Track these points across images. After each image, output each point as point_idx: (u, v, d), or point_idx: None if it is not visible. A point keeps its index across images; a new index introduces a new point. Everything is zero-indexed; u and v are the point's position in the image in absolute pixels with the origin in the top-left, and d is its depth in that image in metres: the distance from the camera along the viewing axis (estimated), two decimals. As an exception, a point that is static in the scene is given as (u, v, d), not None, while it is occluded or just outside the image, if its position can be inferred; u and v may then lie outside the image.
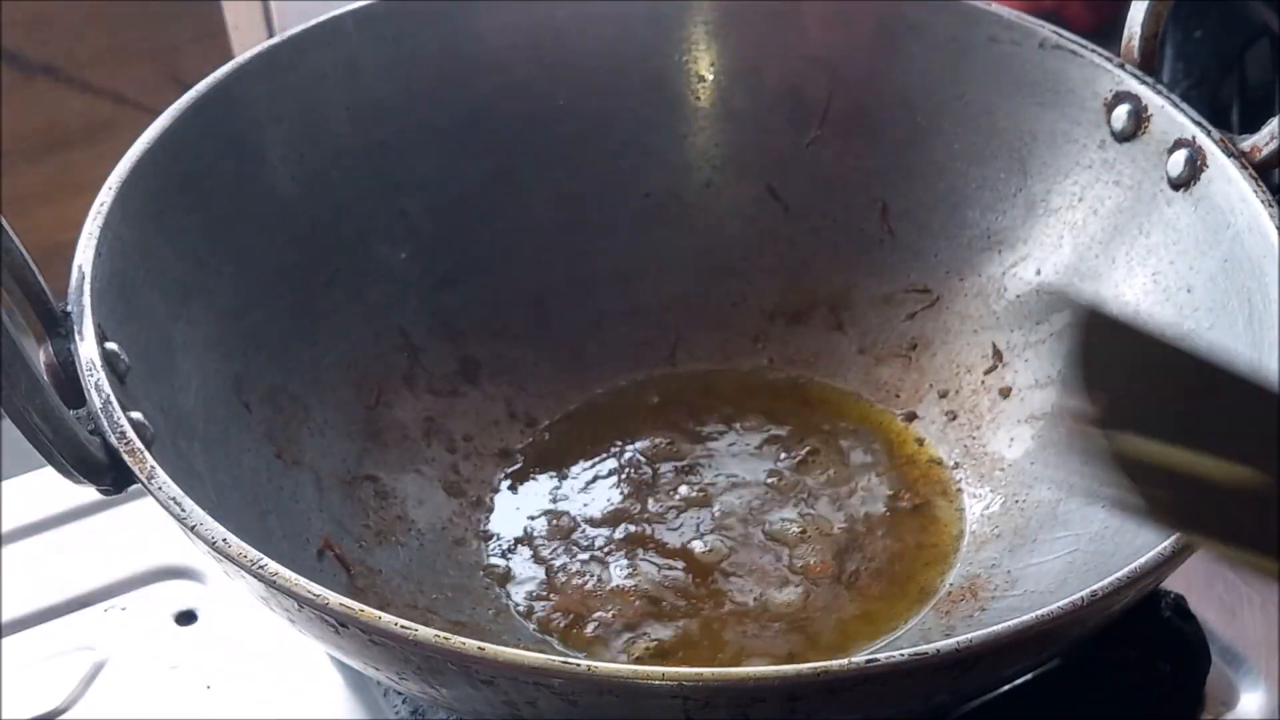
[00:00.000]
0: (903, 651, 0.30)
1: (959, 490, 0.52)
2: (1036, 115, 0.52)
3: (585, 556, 0.50)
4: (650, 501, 0.52)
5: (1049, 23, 0.52)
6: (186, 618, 0.51)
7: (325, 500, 0.47)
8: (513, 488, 0.53)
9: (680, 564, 0.49)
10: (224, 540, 0.33)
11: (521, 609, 0.48)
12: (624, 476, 0.53)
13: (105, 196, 0.42)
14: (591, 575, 0.49)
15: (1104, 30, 0.62)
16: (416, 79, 0.54)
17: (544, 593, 0.49)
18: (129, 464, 0.35)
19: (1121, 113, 0.49)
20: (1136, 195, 0.49)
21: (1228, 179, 0.45)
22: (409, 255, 0.54)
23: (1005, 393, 0.53)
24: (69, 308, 0.39)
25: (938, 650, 0.30)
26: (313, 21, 0.51)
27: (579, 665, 0.30)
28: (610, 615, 0.47)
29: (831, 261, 0.58)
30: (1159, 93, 0.48)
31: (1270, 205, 0.44)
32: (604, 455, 0.54)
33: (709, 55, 0.57)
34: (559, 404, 0.56)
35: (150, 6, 1.20)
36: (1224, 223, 0.45)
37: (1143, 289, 0.49)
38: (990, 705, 0.41)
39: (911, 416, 0.55)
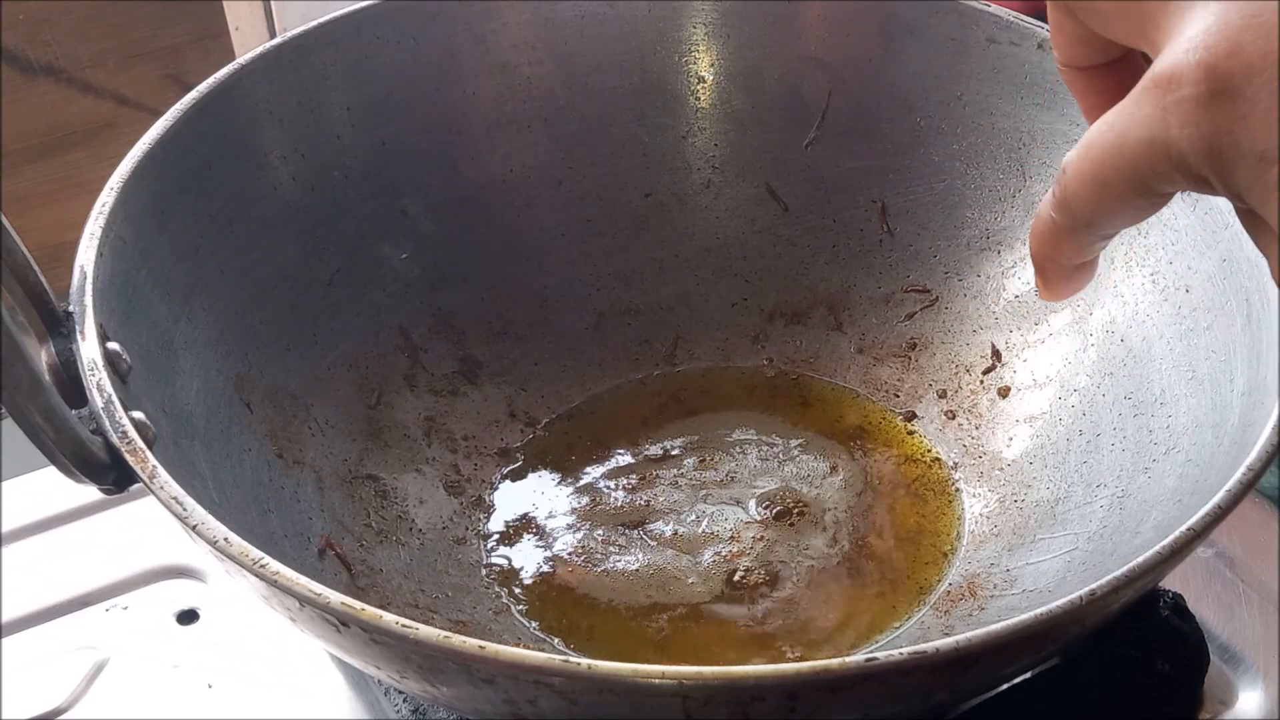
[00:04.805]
0: (902, 650, 0.30)
1: (958, 489, 0.52)
2: (1035, 116, 0.53)
3: (586, 555, 0.50)
4: (650, 500, 0.52)
5: (1048, 24, 0.52)
6: (188, 617, 0.51)
7: (326, 500, 0.47)
8: (513, 487, 0.53)
9: (679, 562, 0.49)
10: (225, 539, 0.33)
11: (522, 608, 0.48)
12: (624, 475, 0.53)
13: (107, 197, 0.42)
14: (593, 573, 0.49)
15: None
16: (416, 79, 0.54)
17: (545, 591, 0.49)
18: (131, 463, 0.35)
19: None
20: (1135, 195, 0.49)
21: (1226, 179, 0.45)
22: (409, 255, 0.54)
23: (1004, 392, 0.53)
24: (71, 308, 0.39)
25: (937, 649, 0.30)
26: (314, 22, 0.51)
27: (579, 664, 0.30)
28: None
29: (831, 261, 0.58)
30: (1157, 93, 0.48)
31: (1268, 205, 0.44)
32: (604, 454, 0.54)
33: (709, 55, 0.57)
34: (559, 403, 0.56)
35: (152, 7, 1.20)
36: (1222, 223, 0.45)
37: (1141, 289, 0.49)
38: (990, 705, 0.41)
39: (910, 416, 0.55)
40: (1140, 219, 0.30)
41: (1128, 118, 0.28)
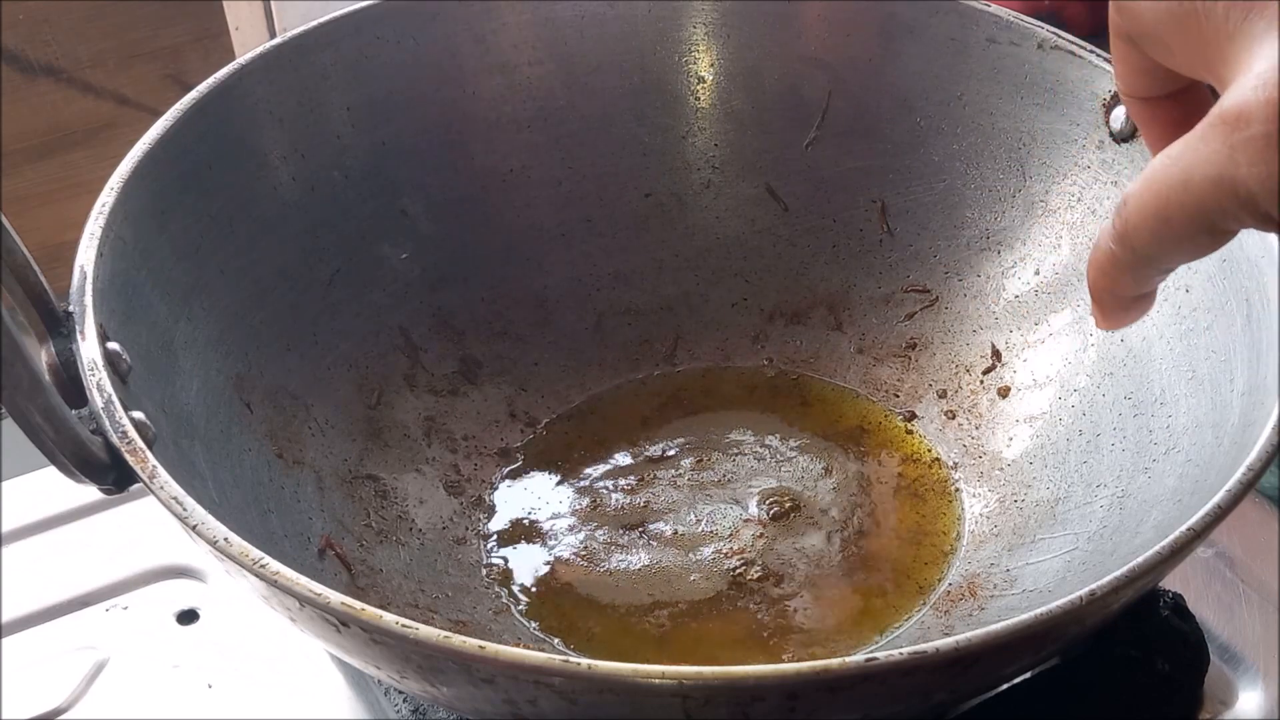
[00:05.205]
0: (902, 650, 0.30)
1: (958, 489, 0.52)
2: (1035, 116, 0.53)
3: (586, 555, 0.50)
4: (650, 500, 0.52)
5: (1047, 23, 0.52)
6: (188, 617, 0.51)
7: (326, 500, 0.47)
8: (513, 487, 0.53)
9: (680, 560, 0.49)
10: (225, 539, 0.33)
11: (522, 608, 0.48)
12: (624, 475, 0.53)
13: (107, 197, 0.42)
14: (593, 573, 0.49)
15: (1102, 31, 0.62)
16: (416, 79, 0.54)
17: (545, 591, 0.49)
18: (131, 463, 0.35)
19: (1120, 113, 0.49)
20: (1135, 195, 0.49)
21: (1226, 179, 0.45)
22: (409, 255, 0.54)
23: (1004, 392, 0.53)
24: (71, 308, 0.39)
25: (937, 649, 0.30)
26: (314, 22, 0.51)
27: (579, 664, 0.30)
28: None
29: (831, 261, 0.58)
30: (1157, 93, 0.48)
31: (1268, 205, 0.43)
32: (604, 454, 0.54)
33: (709, 55, 0.57)
34: (559, 404, 0.56)
35: (152, 7, 1.20)
36: (1222, 223, 0.45)
37: (1141, 289, 0.49)
38: (989, 705, 0.41)
39: (910, 416, 0.55)
40: (1202, 255, 0.29)
41: (1193, 153, 0.27)
